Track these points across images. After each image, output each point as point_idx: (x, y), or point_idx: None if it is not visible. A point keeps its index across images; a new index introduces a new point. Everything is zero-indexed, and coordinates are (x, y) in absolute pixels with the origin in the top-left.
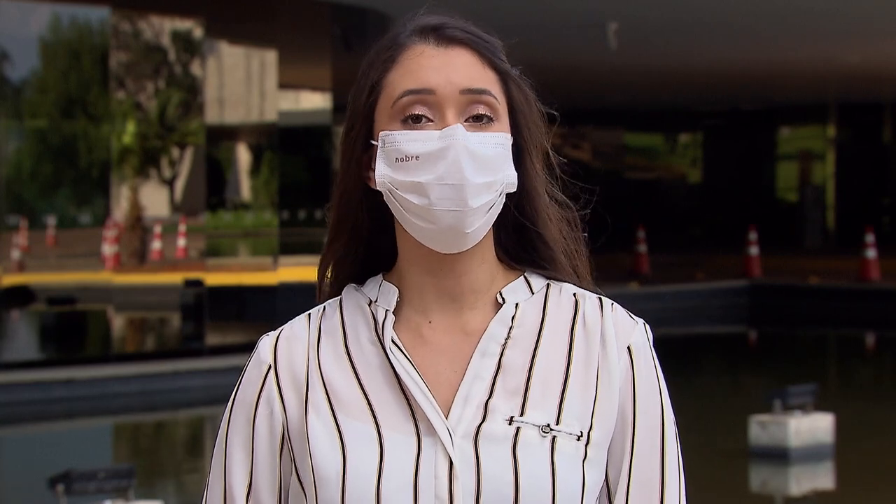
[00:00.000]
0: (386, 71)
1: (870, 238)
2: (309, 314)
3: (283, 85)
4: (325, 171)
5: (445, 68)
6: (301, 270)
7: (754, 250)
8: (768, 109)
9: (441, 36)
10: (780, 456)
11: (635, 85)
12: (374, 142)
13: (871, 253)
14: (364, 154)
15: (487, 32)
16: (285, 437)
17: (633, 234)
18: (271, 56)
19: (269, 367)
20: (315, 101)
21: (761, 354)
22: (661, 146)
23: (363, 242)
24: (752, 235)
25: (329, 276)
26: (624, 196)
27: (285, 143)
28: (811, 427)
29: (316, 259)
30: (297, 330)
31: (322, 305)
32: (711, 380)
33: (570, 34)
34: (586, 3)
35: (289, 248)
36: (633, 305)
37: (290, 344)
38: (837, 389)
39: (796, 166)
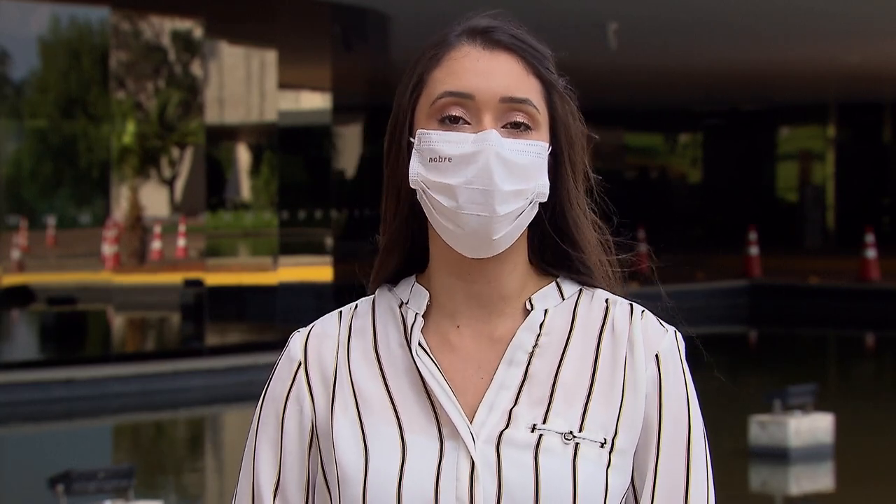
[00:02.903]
0: (430, 69)
1: (870, 238)
2: (340, 311)
3: (283, 85)
4: (325, 171)
5: (487, 74)
6: (301, 270)
7: (754, 250)
8: (768, 109)
9: (488, 39)
10: (780, 456)
11: (635, 85)
12: (411, 139)
13: (871, 253)
14: (408, 151)
15: (538, 41)
16: (314, 434)
17: (634, 235)
18: (271, 56)
19: (300, 364)
20: (315, 101)
21: (761, 354)
22: (661, 146)
23: (408, 244)
24: (752, 235)
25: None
26: (624, 196)
27: (285, 143)
28: (811, 427)
29: (316, 259)
30: (327, 327)
31: (355, 303)
32: (711, 380)
33: (569, 34)
34: (586, 3)
35: (289, 248)
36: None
37: (320, 342)
38: (837, 389)
39: (796, 166)
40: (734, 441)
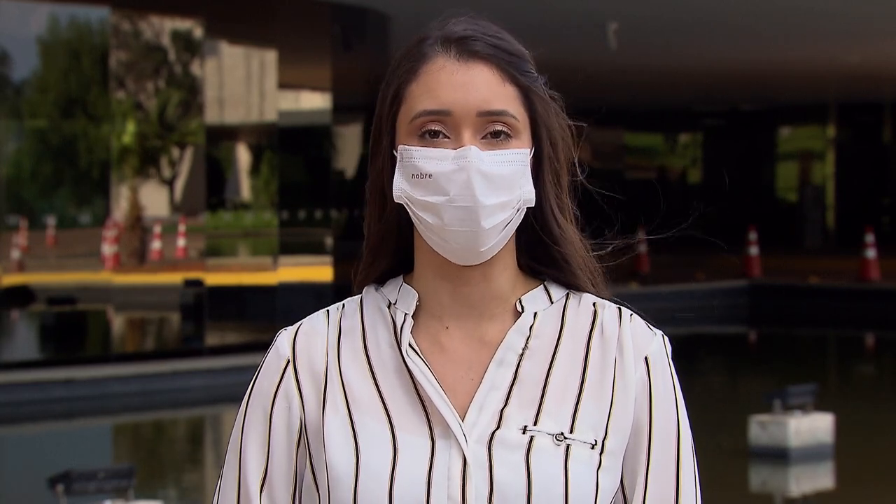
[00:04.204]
0: (407, 82)
1: (870, 238)
2: (328, 311)
3: (283, 85)
4: (325, 171)
5: (463, 88)
6: (301, 270)
7: (754, 250)
8: (768, 109)
9: (462, 50)
10: (780, 456)
11: (635, 85)
12: (395, 152)
13: (871, 253)
14: (391, 163)
15: (515, 41)
16: (302, 432)
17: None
18: (271, 56)
19: (288, 360)
20: (315, 101)
21: (761, 354)
22: (661, 146)
23: (397, 245)
24: (752, 235)
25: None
26: (624, 196)
27: (285, 143)
28: (811, 427)
29: (316, 259)
30: (316, 326)
31: (342, 303)
32: (711, 380)
33: (570, 34)
34: (586, 3)
35: (289, 248)
36: (632, 306)
37: (308, 339)
38: (837, 389)
39: (796, 166)
40: (734, 441)
